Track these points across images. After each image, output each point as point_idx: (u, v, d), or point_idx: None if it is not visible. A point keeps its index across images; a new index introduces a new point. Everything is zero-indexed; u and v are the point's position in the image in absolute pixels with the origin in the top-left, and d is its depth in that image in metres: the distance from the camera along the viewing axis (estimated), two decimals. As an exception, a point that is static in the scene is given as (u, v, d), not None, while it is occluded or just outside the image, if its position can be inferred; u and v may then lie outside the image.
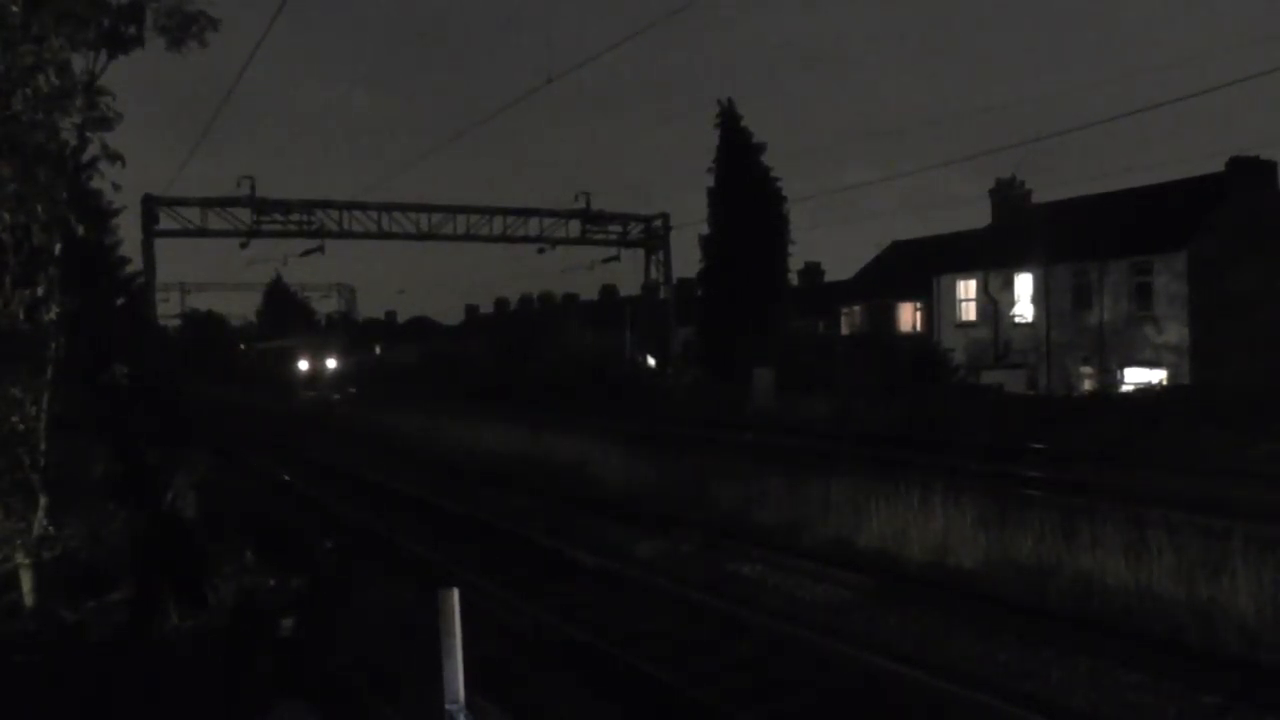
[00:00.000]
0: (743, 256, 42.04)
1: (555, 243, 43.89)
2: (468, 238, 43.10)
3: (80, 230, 8.13)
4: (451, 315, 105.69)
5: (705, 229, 44.38)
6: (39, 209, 7.50)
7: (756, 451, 20.04)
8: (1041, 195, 46.43)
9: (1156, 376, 34.69)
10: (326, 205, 40.58)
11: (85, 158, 7.98)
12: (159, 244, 38.56)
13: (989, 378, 36.21)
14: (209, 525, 12.09)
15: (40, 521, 7.99)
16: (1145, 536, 10.04)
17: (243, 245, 40.86)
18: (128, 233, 37.20)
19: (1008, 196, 45.78)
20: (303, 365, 70.16)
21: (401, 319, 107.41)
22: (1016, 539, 10.95)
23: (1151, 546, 9.77)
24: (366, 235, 41.75)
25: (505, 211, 43.15)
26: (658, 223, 45.54)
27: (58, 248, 7.77)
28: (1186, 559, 9.51)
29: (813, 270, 63.82)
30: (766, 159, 43.46)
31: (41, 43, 7.33)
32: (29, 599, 8.30)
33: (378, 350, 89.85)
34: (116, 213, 27.76)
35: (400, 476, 20.62)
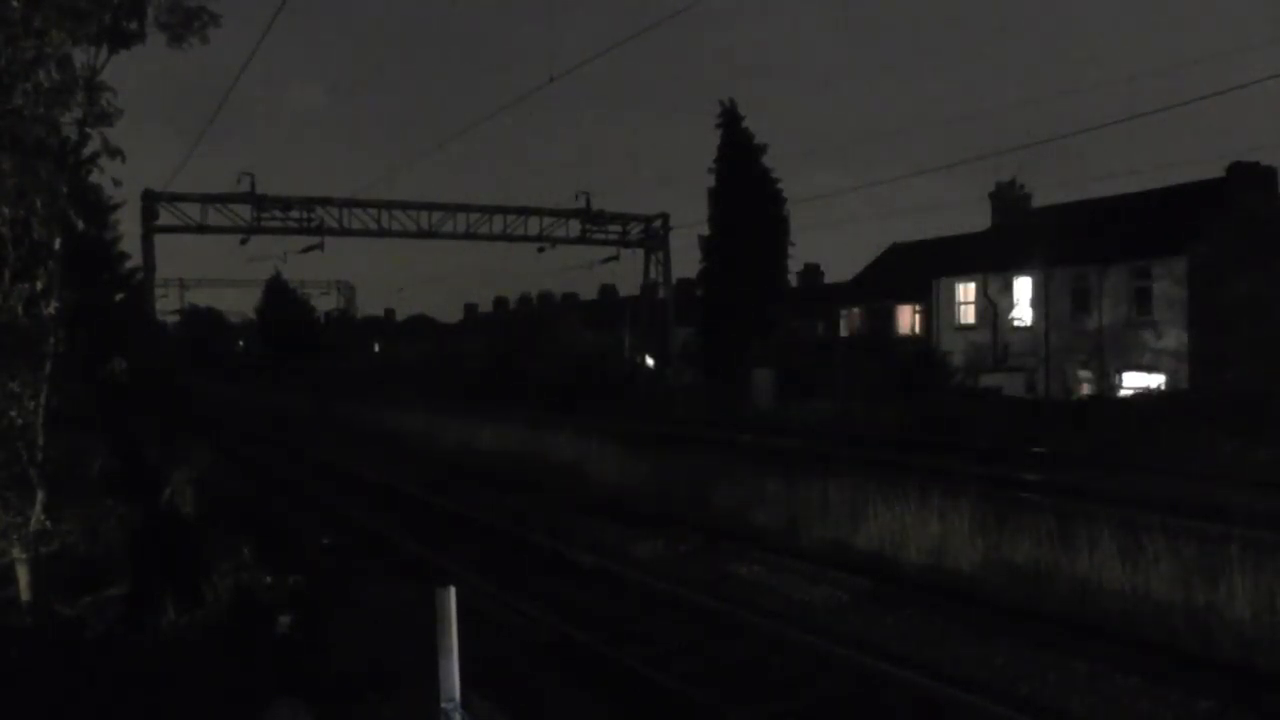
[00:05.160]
0: (742, 257, 42.06)
1: (555, 242, 43.85)
2: (467, 236, 43.07)
3: (80, 225, 8.14)
4: (450, 314, 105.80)
5: (705, 229, 44.43)
6: (39, 204, 7.50)
7: (755, 452, 20.04)
8: (1041, 199, 46.52)
9: (1155, 381, 34.70)
10: (326, 202, 40.54)
11: (85, 153, 7.99)
12: (159, 239, 38.53)
13: (988, 381, 36.22)
14: (207, 522, 12.10)
15: (38, 516, 7.99)
16: (1142, 541, 10.03)
17: (242, 242, 40.85)
18: (127, 228, 37.25)
19: (1007, 200, 45.81)
20: None
21: (400, 317, 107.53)
22: (1014, 542, 10.95)
23: (1148, 551, 9.77)
24: (366, 233, 41.71)
25: (505, 210, 43.12)
26: (657, 223, 45.50)
27: (57, 242, 7.77)
28: (1183, 564, 9.51)
29: (812, 272, 63.79)
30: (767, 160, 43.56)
31: (43, 37, 7.33)
32: (26, 594, 8.30)
33: (375, 347, 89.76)
34: (116, 208, 27.88)
35: (399, 475, 20.61)
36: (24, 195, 7.44)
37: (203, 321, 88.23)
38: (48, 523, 8.12)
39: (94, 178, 8.55)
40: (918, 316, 47.99)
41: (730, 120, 43.60)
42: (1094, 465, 18.64)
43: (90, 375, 10.40)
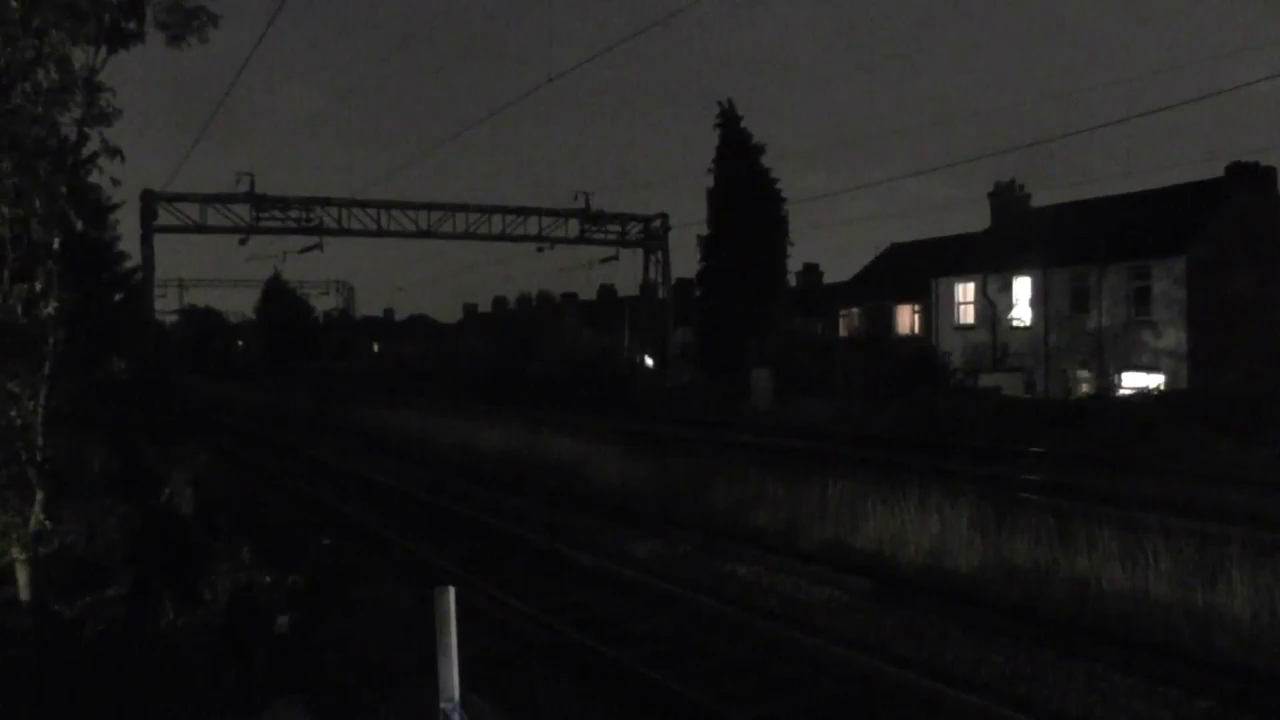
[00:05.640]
0: (742, 257, 42.06)
1: (554, 242, 43.88)
2: (467, 236, 43.09)
3: (79, 225, 8.12)
4: (450, 314, 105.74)
5: (704, 229, 44.43)
6: (38, 204, 7.50)
7: (754, 452, 20.04)
8: (1040, 199, 46.53)
9: (1154, 381, 34.73)
10: (326, 202, 40.56)
11: (85, 153, 7.98)
12: (158, 239, 38.54)
13: (987, 381, 36.23)
14: (206, 521, 12.08)
15: (37, 516, 7.99)
16: (1141, 541, 10.04)
17: (242, 242, 40.88)
18: (126, 228, 37.37)
19: (1007, 200, 45.84)
20: None
21: (400, 317, 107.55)
22: (1013, 542, 10.96)
23: (1148, 551, 9.77)
24: (365, 233, 41.72)
25: (504, 210, 43.14)
26: (656, 223, 45.53)
27: (56, 242, 7.76)
28: (1183, 564, 9.52)
29: (811, 272, 63.83)
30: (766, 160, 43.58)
31: (42, 37, 7.32)
32: (25, 594, 8.30)
33: (374, 347, 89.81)
34: (115, 208, 27.89)
35: (398, 475, 20.60)
36: (23, 195, 7.44)
37: (202, 321, 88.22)
38: (47, 523, 8.11)
39: (93, 178, 8.54)
40: (917, 316, 48.03)
41: (729, 120, 43.60)
42: (1093, 465, 18.64)
43: (89, 375, 10.41)
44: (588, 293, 76.83)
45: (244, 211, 39.49)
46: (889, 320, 49.06)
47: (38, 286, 7.72)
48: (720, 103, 43.97)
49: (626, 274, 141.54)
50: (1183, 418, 22.30)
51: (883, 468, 16.39)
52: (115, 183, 8.54)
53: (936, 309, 44.96)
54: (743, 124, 43.57)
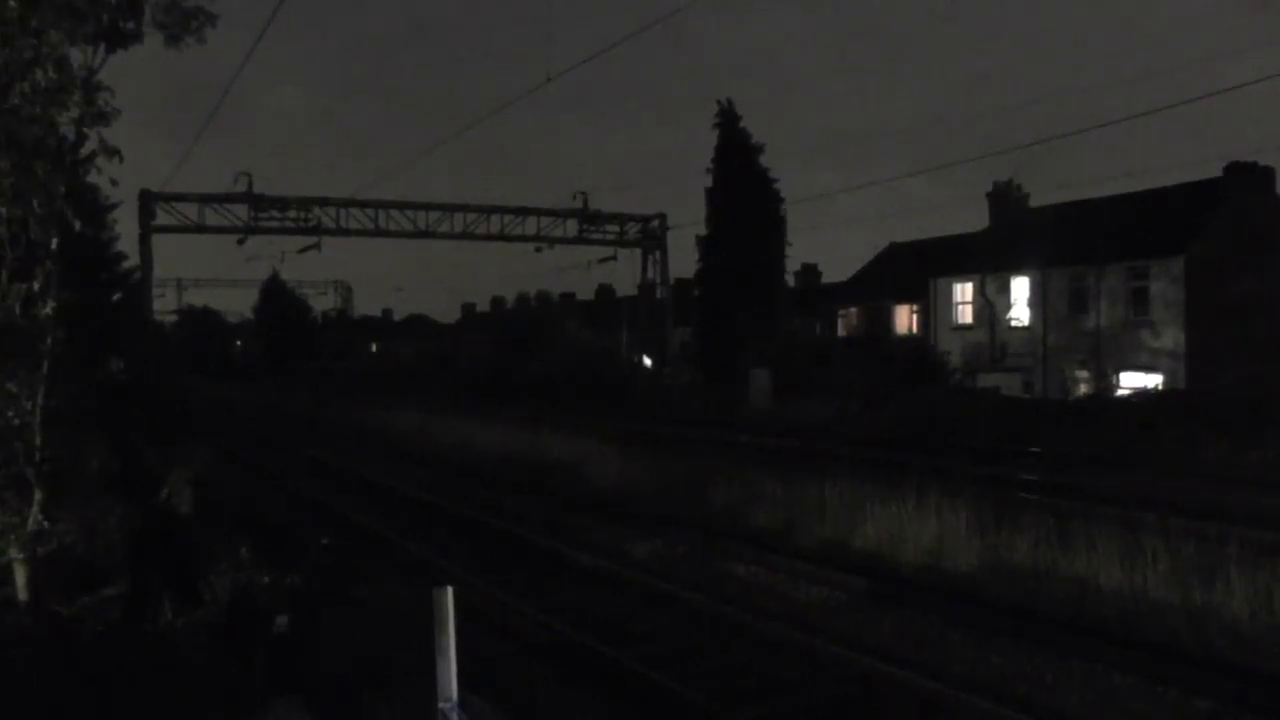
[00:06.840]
0: (740, 257, 42.02)
1: (553, 242, 43.94)
2: (465, 236, 43.14)
3: (77, 225, 8.13)
4: (448, 314, 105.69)
5: (703, 229, 44.41)
6: (36, 204, 7.50)
7: (753, 452, 20.04)
8: (1038, 199, 46.55)
9: (1152, 381, 34.74)
10: (324, 202, 40.59)
11: (83, 153, 7.98)
12: (156, 239, 38.56)
13: (985, 381, 36.26)
14: (204, 521, 12.08)
15: (35, 516, 7.99)
16: (1140, 541, 10.04)
17: (240, 242, 40.92)
18: (125, 228, 37.27)
19: (1005, 200, 45.85)
20: None
21: (398, 317, 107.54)
22: (1012, 542, 10.96)
23: (1146, 551, 9.78)
24: (364, 233, 41.76)
25: (503, 210, 43.18)
26: (655, 223, 45.56)
27: (54, 242, 7.76)
28: (1181, 564, 9.53)
29: (810, 271, 63.81)
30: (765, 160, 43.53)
31: (40, 37, 7.32)
32: (23, 594, 8.30)
33: (372, 347, 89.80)
34: (114, 208, 27.81)
35: (397, 475, 20.60)
36: (21, 195, 7.44)
37: (200, 322, 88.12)
38: (45, 523, 8.11)
39: (91, 177, 8.54)
40: (915, 316, 48.05)
41: (728, 120, 43.52)
42: (1092, 465, 18.63)
43: (88, 375, 10.39)
44: (586, 293, 76.81)
45: (242, 211, 39.52)
46: (887, 320, 49.07)
47: (36, 286, 7.73)
48: (719, 102, 43.88)
49: (625, 274, 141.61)
50: (1181, 418, 22.27)
51: (881, 468, 16.38)
52: (113, 183, 8.56)
53: (935, 309, 44.97)
54: (741, 124, 43.52)
